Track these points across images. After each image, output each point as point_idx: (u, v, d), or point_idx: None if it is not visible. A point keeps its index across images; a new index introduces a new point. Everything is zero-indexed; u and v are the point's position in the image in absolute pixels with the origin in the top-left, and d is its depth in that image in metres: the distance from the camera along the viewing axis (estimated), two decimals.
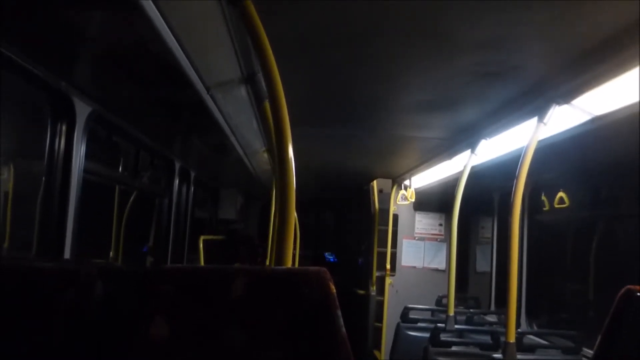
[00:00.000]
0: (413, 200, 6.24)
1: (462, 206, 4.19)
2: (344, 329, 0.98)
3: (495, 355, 3.37)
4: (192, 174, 5.50)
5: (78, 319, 0.96)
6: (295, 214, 1.59)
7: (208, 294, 0.99)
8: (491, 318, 5.27)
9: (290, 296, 0.99)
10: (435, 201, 6.58)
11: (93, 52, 2.19)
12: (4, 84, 2.18)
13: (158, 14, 1.59)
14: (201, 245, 5.89)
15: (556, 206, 4.31)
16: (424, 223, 6.77)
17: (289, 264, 1.53)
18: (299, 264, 7.44)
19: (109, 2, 1.65)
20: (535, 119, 2.72)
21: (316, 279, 0.99)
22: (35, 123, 2.80)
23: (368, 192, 6.92)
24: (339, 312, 0.98)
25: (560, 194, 4.26)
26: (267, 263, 4.10)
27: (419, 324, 5.15)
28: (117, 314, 0.97)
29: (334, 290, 0.98)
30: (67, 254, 2.55)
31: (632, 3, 1.76)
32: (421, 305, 5.47)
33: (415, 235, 6.75)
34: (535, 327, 4.65)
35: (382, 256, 6.52)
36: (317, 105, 3.41)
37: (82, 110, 2.59)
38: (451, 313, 4.28)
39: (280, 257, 1.52)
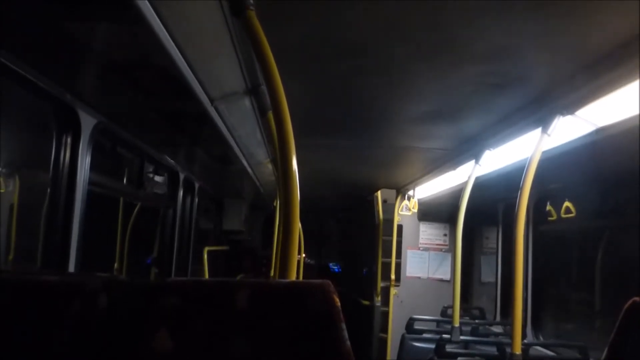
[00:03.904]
0: (415, 210, 6.23)
1: (466, 216, 4.18)
2: (348, 342, 0.97)
3: None
4: (197, 185, 5.51)
5: (82, 332, 0.96)
6: (300, 224, 1.59)
7: (212, 307, 0.98)
8: (497, 329, 5.24)
9: (294, 309, 0.98)
10: (439, 211, 6.57)
11: (98, 64, 2.20)
12: (10, 96, 2.19)
13: (162, 25, 1.60)
14: (205, 257, 5.89)
15: (562, 216, 4.30)
16: (429, 233, 6.75)
17: (294, 276, 1.52)
18: (303, 274, 7.42)
19: (112, 14, 1.66)
20: (539, 130, 2.72)
21: (320, 291, 0.98)
22: (40, 134, 2.81)
23: (372, 202, 6.91)
24: (344, 325, 0.97)
25: (567, 203, 4.25)
26: (272, 274, 4.09)
27: (424, 335, 5.11)
28: (122, 327, 0.97)
29: (339, 303, 0.98)
30: (71, 266, 2.55)
31: (635, 15, 1.76)
32: (426, 316, 5.43)
33: (420, 245, 6.73)
34: (541, 338, 4.61)
35: (386, 266, 6.50)
36: (321, 115, 3.41)
37: (87, 122, 2.60)
38: (456, 324, 4.26)
39: (284, 268, 1.51)
